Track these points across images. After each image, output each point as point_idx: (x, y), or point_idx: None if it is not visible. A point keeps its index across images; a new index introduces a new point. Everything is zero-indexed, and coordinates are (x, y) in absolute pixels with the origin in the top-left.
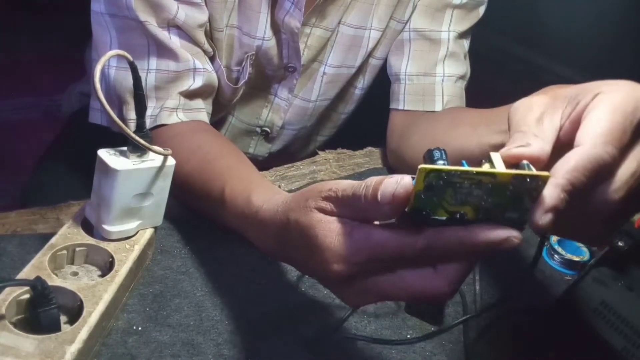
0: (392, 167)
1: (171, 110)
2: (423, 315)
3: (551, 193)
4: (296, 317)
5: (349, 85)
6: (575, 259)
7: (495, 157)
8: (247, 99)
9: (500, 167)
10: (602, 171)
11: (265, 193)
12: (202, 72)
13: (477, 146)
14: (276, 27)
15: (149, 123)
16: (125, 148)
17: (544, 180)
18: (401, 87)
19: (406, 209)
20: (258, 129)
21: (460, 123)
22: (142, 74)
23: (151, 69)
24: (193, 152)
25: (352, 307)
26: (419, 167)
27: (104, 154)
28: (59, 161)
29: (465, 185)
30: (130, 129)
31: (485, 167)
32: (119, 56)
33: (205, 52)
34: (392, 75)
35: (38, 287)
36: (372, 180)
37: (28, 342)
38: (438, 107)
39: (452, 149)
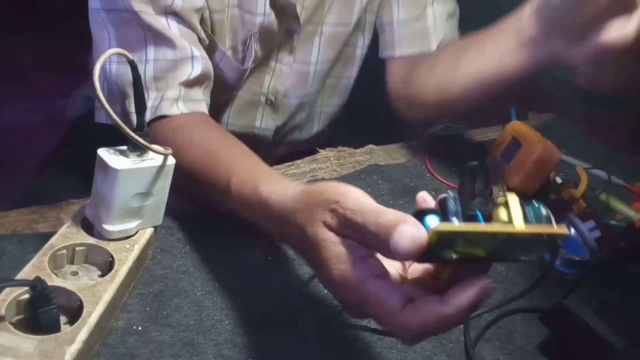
0: (398, 114)
1: (172, 101)
2: None
3: None
4: (296, 317)
5: (348, 45)
6: (576, 258)
7: (513, 201)
8: (249, 70)
9: (517, 217)
10: None
11: (273, 182)
12: (200, 59)
13: (492, 66)
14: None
15: (150, 114)
16: (125, 147)
17: (562, 236)
18: (395, 35)
19: None
20: (263, 98)
21: (463, 54)
22: (141, 67)
23: (149, 60)
24: (196, 143)
25: (356, 319)
26: (435, 229)
27: (104, 153)
28: (62, 165)
29: (479, 237)
30: (133, 123)
31: (502, 216)
32: (118, 54)
33: (200, 39)
34: (385, 25)
35: (38, 287)
36: (387, 219)
37: (28, 343)
38: (434, 46)
39: (465, 79)
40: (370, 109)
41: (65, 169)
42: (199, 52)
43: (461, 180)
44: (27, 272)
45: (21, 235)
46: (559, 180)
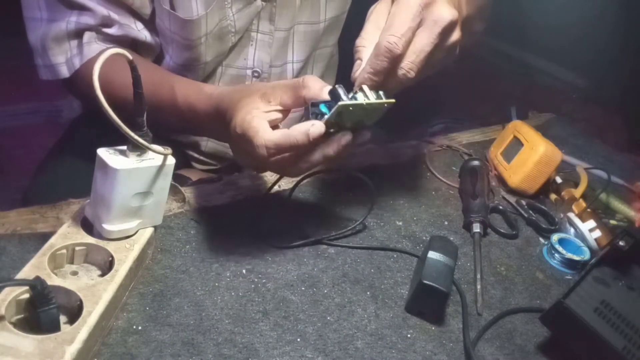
0: None
1: (90, 43)
2: (423, 314)
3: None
4: (296, 316)
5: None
6: (576, 258)
7: (366, 89)
8: (231, 43)
9: (370, 96)
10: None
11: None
12: (118, 24)
13: None
14: None
15: (77, 62)
16: (124, 147)
17: (392, 104)
18: None
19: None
20: (249, 72)
21: None
22: (63, 25)
23: (71, 21)
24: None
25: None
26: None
27: (104, 153)
28: (62, 165)
29: (357, 109)
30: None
31: (361, 98)
32: (118, 55)
33: (135, 10)
34: None
35: (37, 287)
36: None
37: (28, 342)
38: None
39: None
40: None
41: (65, 169)
42: (120, 19)
43: (461, 179)
44: (27, 272)
45: (21, 235)
46: (559, 180)
